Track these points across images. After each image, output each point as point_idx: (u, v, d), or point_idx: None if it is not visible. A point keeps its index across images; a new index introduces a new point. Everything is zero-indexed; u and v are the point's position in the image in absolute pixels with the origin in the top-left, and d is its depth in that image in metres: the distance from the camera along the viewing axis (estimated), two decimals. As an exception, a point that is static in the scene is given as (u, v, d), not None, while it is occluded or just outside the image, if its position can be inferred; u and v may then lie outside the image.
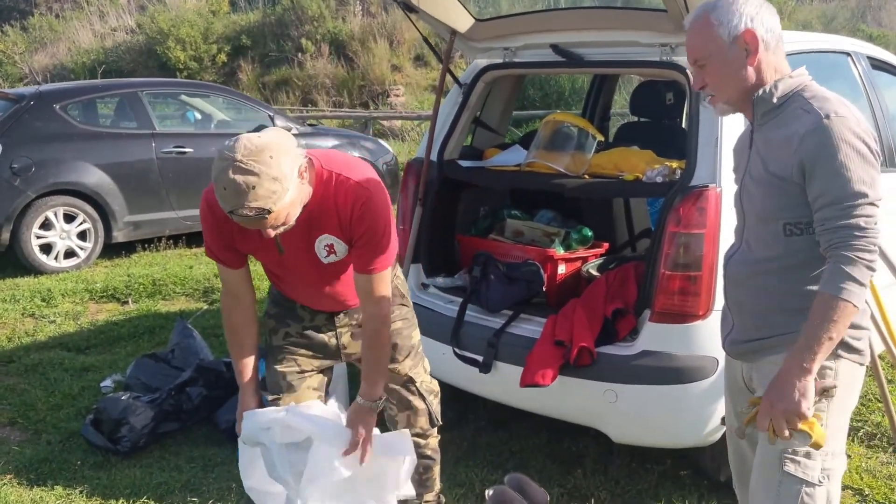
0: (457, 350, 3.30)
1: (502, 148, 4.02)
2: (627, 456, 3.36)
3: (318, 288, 2.57)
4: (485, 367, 3.20)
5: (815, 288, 1.92)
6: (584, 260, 3.64)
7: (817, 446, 1.89)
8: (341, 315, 2.67)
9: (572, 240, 3.66)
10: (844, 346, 1.94)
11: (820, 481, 1.96)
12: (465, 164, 3.81)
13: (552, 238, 3.67)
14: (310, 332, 2.66)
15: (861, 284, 1.80)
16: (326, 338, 2.67)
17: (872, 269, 1.82)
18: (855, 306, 1.81)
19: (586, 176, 3.44)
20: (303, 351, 2.66)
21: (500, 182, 3.83)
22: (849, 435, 3.48)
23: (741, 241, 2.12)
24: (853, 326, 1.91)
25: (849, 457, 3.36)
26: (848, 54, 3.97)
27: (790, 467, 1.95)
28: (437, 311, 3.51)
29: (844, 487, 3.18)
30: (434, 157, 3.77)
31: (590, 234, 3.69)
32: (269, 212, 2.08)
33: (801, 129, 1.86)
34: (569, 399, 3.09)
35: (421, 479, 2.86)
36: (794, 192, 1.90)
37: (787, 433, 1.86)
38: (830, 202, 1.82)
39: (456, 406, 3.80)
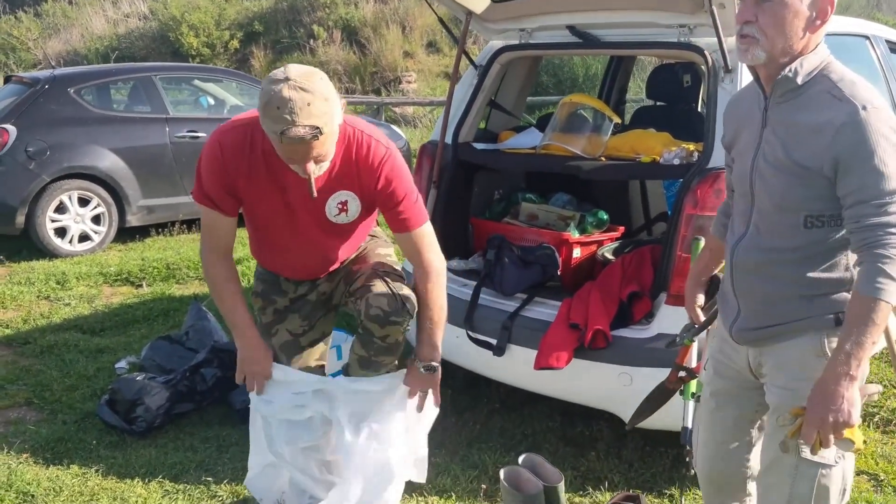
0: (470, 333, 3.29)
1: (517, 131, 4.00)
2: (641, 439, 3.35)
3: (312, 251, 2.58)
4: (499, 350, 3.20)
5: (830, 275, 1.88)
6: (600, 243, 3.63)
7: (858, 451, 1.88)
8: (322, 278, 2.71)
9: (588, 223, 3.64)
10: None
11: (836, 461, 1.94)
12: (479, 146, 3.79)
13: (567, 221, 3.66)
14: (295, 302, 2.71)
15: None
16: (309, 297, 2.72)
17: None
18: (894, 306, 1.74)
19: (603, 158, 3.43)
20: (291, 316, 2.71)
21: (515, 165, 3.82)
22: (864, 421, 3.50)
23: (748, 225, 1.99)
24: None
25: (865, 443, 3.34)
26: (867, 37, 3.94)
27: (807, 452, 1.91)
28: (451, 294, 3.45)
29: (860, 472, 3.17)
30: (449, 139, 3.75)
31: (605, 217, 3.68)
32: (321, 132, 2.11)
33: (836, 121, 1.76)
34: (583, 382, 3.08)
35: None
36: (819, 185, 1.82)
37: (832, 443, 1.80)
38: (865, 199, 1.74)
39: (469, 389, 3.80)
